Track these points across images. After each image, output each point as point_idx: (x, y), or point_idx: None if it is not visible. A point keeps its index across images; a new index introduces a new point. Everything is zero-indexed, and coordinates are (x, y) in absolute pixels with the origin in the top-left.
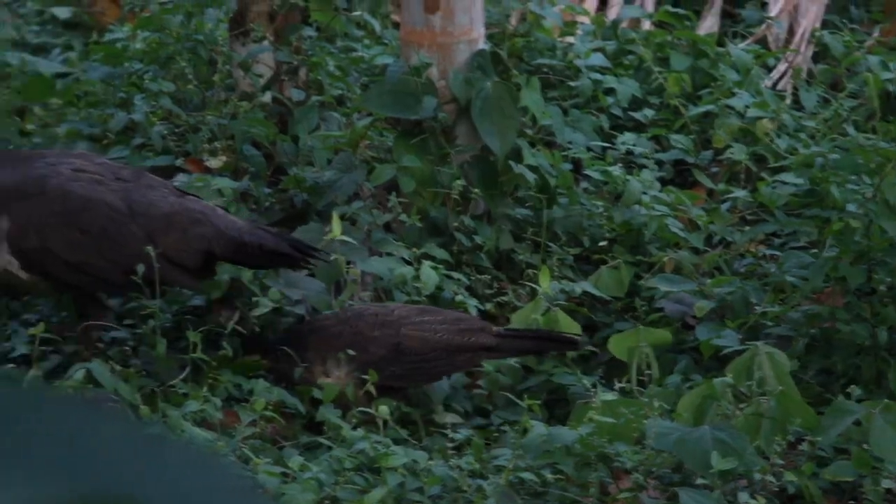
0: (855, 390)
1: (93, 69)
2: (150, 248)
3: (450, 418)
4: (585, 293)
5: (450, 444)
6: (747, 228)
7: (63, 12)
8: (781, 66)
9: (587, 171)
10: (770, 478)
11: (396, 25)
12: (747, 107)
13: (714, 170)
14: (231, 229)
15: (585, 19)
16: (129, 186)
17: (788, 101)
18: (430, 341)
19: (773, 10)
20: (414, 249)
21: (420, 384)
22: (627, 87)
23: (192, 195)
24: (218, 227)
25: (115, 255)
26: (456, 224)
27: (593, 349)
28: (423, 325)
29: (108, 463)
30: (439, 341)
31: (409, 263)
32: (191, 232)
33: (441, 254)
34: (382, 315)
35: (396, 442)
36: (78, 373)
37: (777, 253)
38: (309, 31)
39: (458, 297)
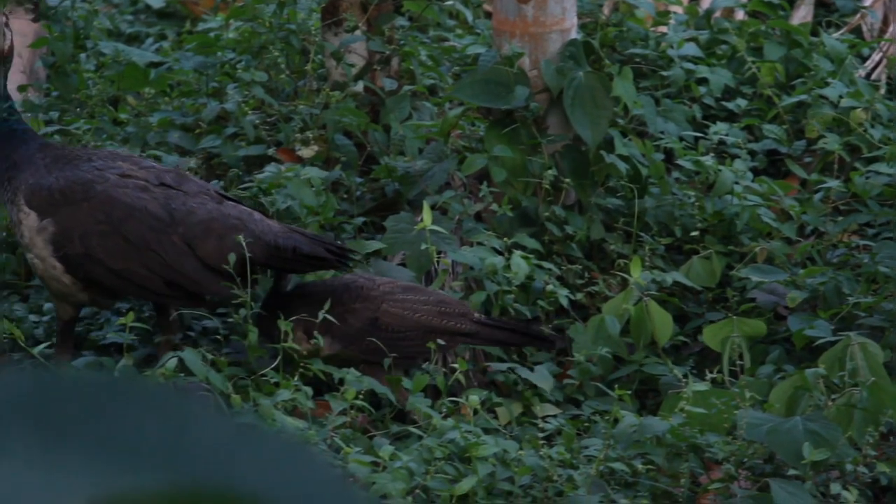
0: None
1: (186, 59)
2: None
3: (548, 409)
4: (677, 283)
5: (540, 434)
6: (840, 219)
7: (157, 2)
8: (876, 56)
9: (679, 161)
10: (862, 469)
11: (489, 15)
12: (841, 97)
13: (807, 160)
14: (266, 234)
15: (678, 9)
16: (170, 193)
17: (883, 90)
18: (407, 320)
19: (868, 0)
20: (505, 239)
21: (398, 362)
22: (720, 77)
23: (233, 200)
24: (253, 231)
25: (156, 264)
26: (547, 214)
27: (685, 339)
28: (405, 302)
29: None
30: (417, 321)
31: (499, 253)
32: (227, 238)
33: (532, 243)
34: (367, 288)
35: (487, 431)
36: (170, 362)
37: (870, 243)
38: (401, 21)
39: (549, 287)
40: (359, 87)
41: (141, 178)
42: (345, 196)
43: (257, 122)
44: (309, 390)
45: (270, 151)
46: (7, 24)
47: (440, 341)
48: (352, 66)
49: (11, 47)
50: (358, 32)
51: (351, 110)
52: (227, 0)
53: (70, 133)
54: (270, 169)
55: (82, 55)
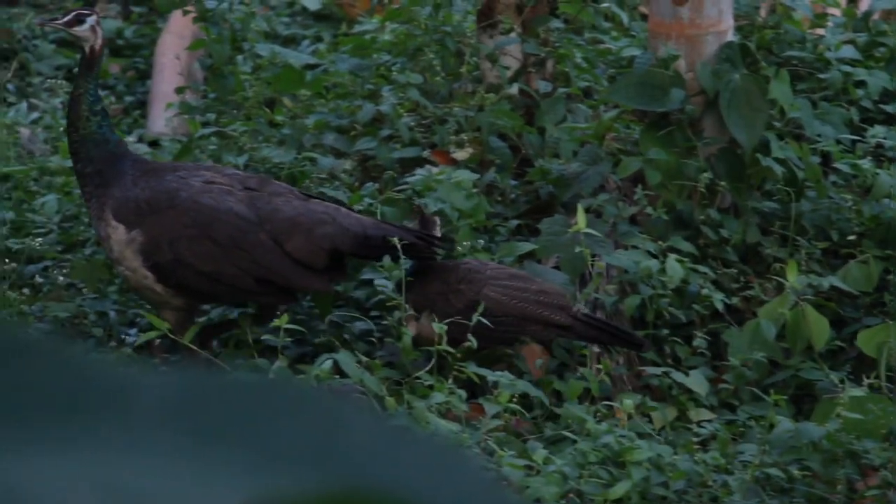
0: None
1: (341, 60)
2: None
3: (703, 414)
4: (833, 288)
5: (695, 439)
6: None
7: (313, 4)
8: None
9: (836, 165)
10: None
11: (644, 17)
12: None
13: None
14: (355, 226)
15: (836, 11)
16: (255, 195)
17: None
18: (505, 305)
19: None
20: (659, 242)
21: (491, 345)
22: (878, 80)
23: (317, 197)
24: (342, 224)
25: (245, 262)
26: (702, 217)
27: (841, 344)
28: (507, 288)
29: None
30: (514, 307)
31: (654, 256)
32: (315, 232)
33: (687, 247)
34: (474, 271)
35: (641, 436)
36: (324, 363)
37: None
38: (556, 23)
39: (704, 291)
40: (514, 89)
41: (225, 183)
42: (499, 199)
43: (412, 124)
44: (463, 393)
45: (425, 153)
46: (98, 24)
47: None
48: (507, 68)
49: (102, 47)
50: (513, 35)
51: (506, 112)
52: (384, 2)
53: (227, 135)
54: (422, 172)
55: (239, 57)
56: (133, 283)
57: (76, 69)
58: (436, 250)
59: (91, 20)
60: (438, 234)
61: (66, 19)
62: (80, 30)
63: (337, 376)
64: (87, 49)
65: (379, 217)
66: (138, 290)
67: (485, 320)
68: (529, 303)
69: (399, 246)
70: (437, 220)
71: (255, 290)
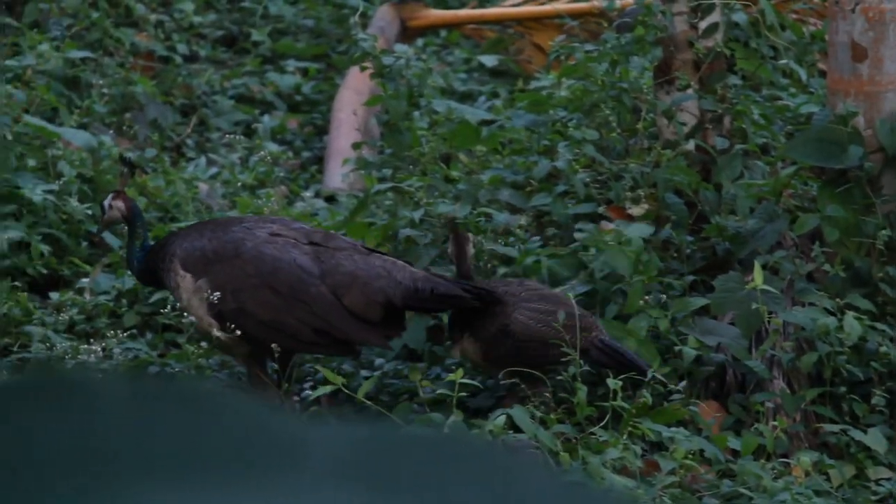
0: None
1: (517, 116)
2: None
3: (882, 472)
4: None
5: (873, 497)
6: None
7: (490, 60)
8: None
9: None
10: None
11: (823, 74)
12: None
13: None
14: (406, 279)
15: None
16: (319, 249)
17: None
18: (531, 329)
19: None
20: (837, 300)
21: (522, 369)
22: None
23: (379, 252)
24: (395, 278)
25: (304, 313)
26: (880, 274)
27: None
28: (535, 311)
29: None
30: (538, 331)
31: (831, 314)
32: (371, 286)
33: (865, 304)
34: (509, 294)
35: (818, 493)
36: (499, 418)
37: None
38: (734, 80)
39: (883, 349)
40: (690, 145)
41: (290, 236)
42: (674, 255)
43: (588, 180)
44: (638, 449)
45: (601, 209)
46: (111, 201)
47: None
48: (683, 124)
49: (129, 210)
50: (690, 91)
51: (682, 169)
52: (560, 58)
53: (403, 190)
54: (589, 227)
55: (416, 113)
56: (201, 330)
57: (254, 125)
58: (483, 301)
59: (105, 203)
60: (471, 252)
61: (100, 219)
62: (106, 216)
63: (511, 431)
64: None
65: (544, 270)
66: (207, 338)
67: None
68: (553, 327)
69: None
70: (470, 236)
71: (314, 342)
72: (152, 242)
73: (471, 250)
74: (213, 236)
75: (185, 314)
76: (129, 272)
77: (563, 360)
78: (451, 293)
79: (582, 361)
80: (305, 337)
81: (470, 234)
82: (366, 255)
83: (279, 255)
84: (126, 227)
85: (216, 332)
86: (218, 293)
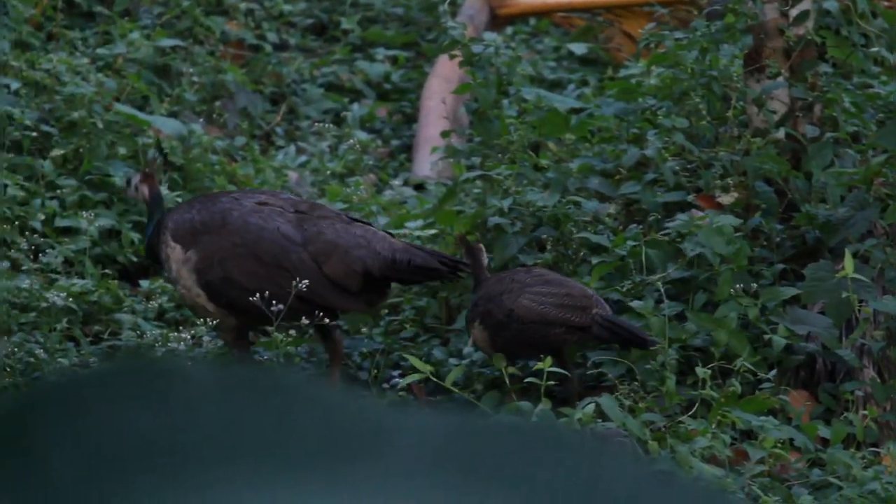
0: None
1: (607, 105)
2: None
3: None
4: None
5: None
6: None
7: (579, 48)
8: None
9: None
10: None
11: None
12: None
13: None
14: (385, 250)
15: None
16: (303, 217)
17: None
18: (533, 311)
19: None
20: None
21: (524, 353)
22: None
23: (362, 221)
24: (374, 248)
25: (286, 281)
26: None
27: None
28: (538, 294)
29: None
30: (540, 312)
31: None
32: (350, 255)
33: None
34: (516, 281)
35: None
36: (587, 407)
37: None
38: (825, 67)
39: None
40: (780, 133)
41: (277, 205)
42: (764, 243)
43: (677, 168)
44: (727, 437)
45: (690, 198)
46: (146, 181)
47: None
48: (773, 112)
49: (152, 194)
50: (780, 79)
51: (772, 157)
52: (650, 46)
53: (491, 179)
54: (683, 216)
55: (505, 101)
56: (189, 303)
57: (344, 113)
58: (460, 274)
59: (134, 180)
60: (485, 263)
61: (126, 189)
62: (130, 193)
63: (599, 420)
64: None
65: (643, 257)
66: (195, 309)
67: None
68: (554, 306)
69: (424, 269)
70: (482, 247)
71: (294, 307)
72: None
73: (485, 260)
74: (201, 208)
75: (175, 285)
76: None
77: (567, 338)
78: (428, 265)
79: (582, 339)
80: (286, 303)
81: (481, 246)
82: (348, 224)
83: (264, 223)
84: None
85: (204, 303)
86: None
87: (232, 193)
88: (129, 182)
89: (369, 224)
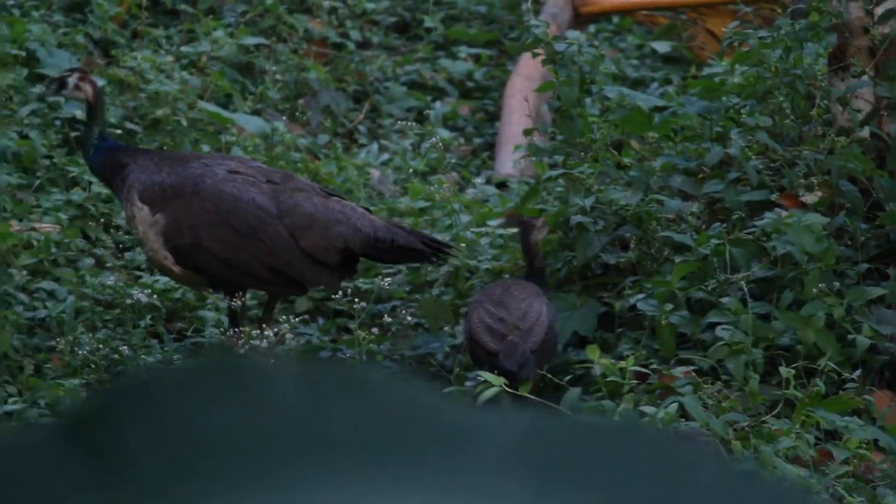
0: None
1: (690, 103)
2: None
3: None
4: None
5: None
6: None
7: (663, 46)
8: None
9: None
10: None
11: None
12: None
13: None
14: (367, 227)
15: None
16: (278, 188)
17: None
18: (472, 329)
19: None
20: None
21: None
22: None
23: (338, 196)
24: (355, 225)
25: (261, 252)
26: None
27: None
28: (485, 313)
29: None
30: (471, 331)
31: None
32: (330, 231)
33: None
34: (489, 292)
35: None
36: (670, 406)
37: None
38: None
39: None
40: (865, 132)
41: (248, 174)
42: (849, 242)
43: (761, 167)
44: (811, 438)
45: (773, 197)
46: (83, 79)
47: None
48: (858, 111)
49: (97, 95)
50: (865, 77)
51: (856, 156)
52: (734, 45)
53: (574, 177)
54: (770, 215)
55: (587, 99)
56: (156, 265)
57: (426, 111)
58: (441, 256)
59: (72, 80)
60: (537, 240)
61: (49, 90)
62: (68, 92)
63: (682, 419)
64: (85, 103)
65: (727, 256)
66: (161, 269)
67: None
68: (481, 327)
69: (406, 249)
70: (537, 223)
71: (267, 280)
72: (115, 141)
73: (538, 237)
74: (171, 171)
75: (142, 246)
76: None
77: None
78: (411, 246)
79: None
80: (259, 275)
81: (539, 220)
82: (325, 198)
83: (238, 193)
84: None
85: (171, 266)
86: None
87: (202, 158)
88: (63, 82)
89: (343, 198)
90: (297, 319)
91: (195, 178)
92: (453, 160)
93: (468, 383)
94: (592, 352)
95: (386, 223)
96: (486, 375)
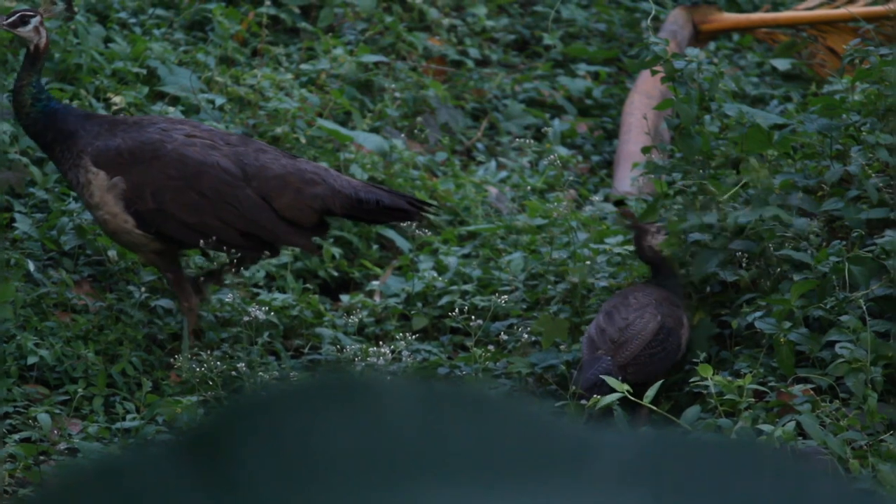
0: None
1: (810, 120)
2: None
3: None
4: None
5: None
6: None
7: (783, 64)
8: None
9: None
10: None
11: None
12: None
13: None
14: (346, 188)
15: None
16: (240, 150)
17: None
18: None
19: None
20: None
21: None
22: None
23: (304, 159)
24: (332, 186)
25: (231, 216)
26: None
27: None
28: None
29: None
30: None
31: None
32: (305, 192)
33: None
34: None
35: None
36: (788, 424)
37: None
38: None
39: None
40: None
41: (206, 138)
42: None
43: (881, 184)
44: None
45: (893, 215)
46: (42, 24)
47: None
48: None
49: (47, 45)
50: None
51: None
52: (855, 62)
53: (706, 190)
54: (890, 233)
55: (706, 117)
56: (112, 228)
57: (544, 129)
58: (424, 215)
59: (35, 21)
60: (651, 244)
61: (10, 20)
62: (24, 30)
63: (800, 438)
64: (31, 47)
65: (846, 274)
66: (116, 234)
67: None
68: (585, 339)
69: (389, 209)
70: (649, 229)
71: (238, 243)
72: (55, 101)
73: (651, 241)
74: (126, 136)
75: (95, 211)
76: (24, 113)
77: None
78: (397, 206)
79: None
80: (230, 239)
81: (654, 225)
82: (292, 159)
83: (202, 158)
84: (25, 57)
85: (132, 230)
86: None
87: (155, 122)
88: (23, 18)
89: (310, 159)
90: (413, 336)
91: (154, 143)
92: (571, 178)
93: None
94: (705, 370)
95: (364, 183)
96: (610, 381)
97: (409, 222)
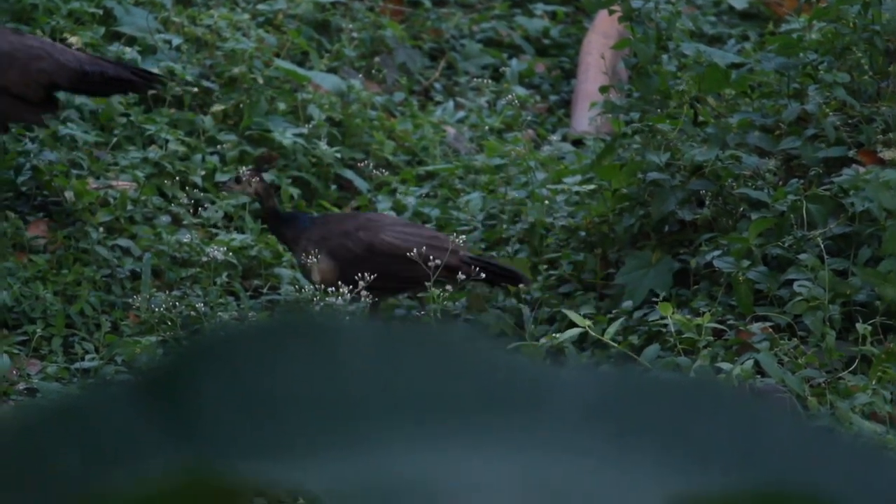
0: None
1: (767, 59)
2: None
3: None
4: None
5: None
6: None
7: (740, 2)
8: None
9: None
10: None
11: None
12: None
13: None
14: (72, 62)
15: None
16: None
17: None
18: (398, 248)
19: None
20: None
21: (388, 288)
22: None
23: (32, 35)
24: (58, 60)
25: None
26: None
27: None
28: (401, 233)
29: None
30: (406, 249)
31: None
32: (32, 67)
33: None
34: (372, 220)
35: None
36: (746, 363)
37: None
38: None
39: None
40: None
41: None
42: None
43: (838, 123)
44: (887, 394)
45: (851, 153)
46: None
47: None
48: None
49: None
50: None
51: None
52: (811, 1)
53: (652, 132)
54: (848, 171)
55: (664, 56)
56: None
57: (502, 69)
58: (154, 86)
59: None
60: None
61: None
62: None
63: (758, 376)
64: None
65: (804, 212)
66: None
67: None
68: (421, 245)
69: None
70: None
71: None
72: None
73: None
74: None
75: None
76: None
77: (432, 278)
78: (122, 77)
79: (447, 280)
80: None
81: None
82: (20, 35)
83: None
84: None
85: None
86: None
87: None
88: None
89: (37, 35)
90: (371, 277)
91: None
92: (529, 117)
93: (542, 339)
94: (665, 308)
95: (91, 56)
96: (571, 315)
97: (134, 93)
